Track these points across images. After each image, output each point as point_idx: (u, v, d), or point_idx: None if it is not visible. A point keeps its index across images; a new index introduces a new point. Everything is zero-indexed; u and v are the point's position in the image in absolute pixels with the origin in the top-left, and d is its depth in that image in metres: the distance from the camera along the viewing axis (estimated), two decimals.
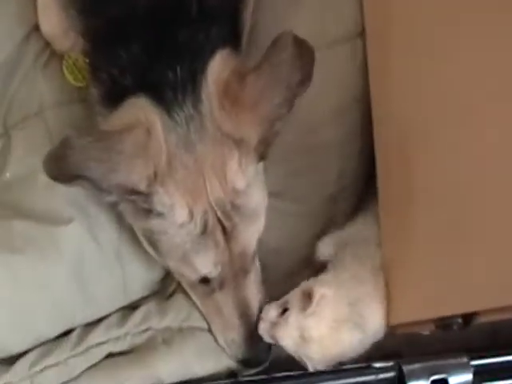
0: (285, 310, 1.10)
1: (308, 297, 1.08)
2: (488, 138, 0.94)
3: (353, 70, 1.19)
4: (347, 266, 1.14)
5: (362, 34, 1.19)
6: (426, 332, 1.08)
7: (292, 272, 1.20)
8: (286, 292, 1.13)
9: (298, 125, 1.15)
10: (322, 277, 1.13)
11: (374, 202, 1.17)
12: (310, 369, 1.10)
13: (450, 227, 1.01)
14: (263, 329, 1.11)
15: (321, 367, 1.10)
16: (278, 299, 1.13)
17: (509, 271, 0.92)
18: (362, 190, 1.23)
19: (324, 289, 1.08)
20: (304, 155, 1.21)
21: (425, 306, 1.05)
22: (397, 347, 1.13)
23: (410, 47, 1.09)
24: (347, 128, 1.21)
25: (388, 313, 1.12)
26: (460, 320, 1.00)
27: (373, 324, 1.10)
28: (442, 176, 1.02)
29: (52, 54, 1.22)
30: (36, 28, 1.22)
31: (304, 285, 1.11)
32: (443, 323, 1.01)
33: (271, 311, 1.11)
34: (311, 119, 1.18)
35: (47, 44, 1.22)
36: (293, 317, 1.09)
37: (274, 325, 1.10)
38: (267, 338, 1.12)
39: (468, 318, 0.99)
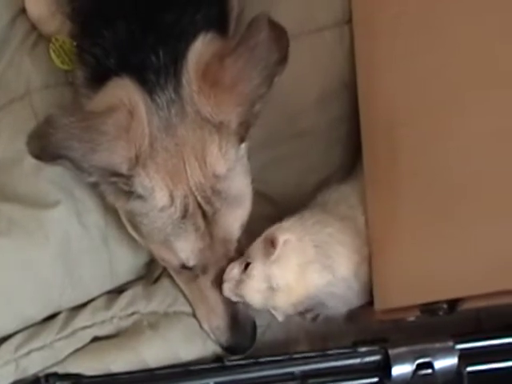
0: (247, 266, 1.08)
1: (270, 245, 1.06)
2: (474, 120, 0.95)
3: (340, 55, 1.19)
4: (313, 213, 1.13)
5: (349, 21, 1.19)
6: (411, 318, 1.08)
7: None
8: None
9: (284, 110, 1.15)
10: (284, 224, 1.10)
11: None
12: (280, 319, 1.09)
13: (435, 213, 1.01)
14: (228, 289, 1.08)
15: (287, 314, 1.09)
16: None
17: (494, 257, 0.92)
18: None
19: (287, 234, 1.07)
20: (290, 141, 1.21)
21: (410, 292, 1.05)
22: (383, 333, 1.13)
23: (396, 33, 1.09)
24: (334, 113, 1.21)
25: (374, 298, 1.12)
26: (445, 306, 1.00)
27: (340, 265, 1.09)
28: (428, 160, 1.02)
29: (39, 37, 1.21)
30: (22, 11, 1.22)
31: (265, 233, 1.09)
32: (428, 309, 1.01)
33: (234, 269, 1.09)
34: (297, 104, 1.18)
35: (34, 27, 1.22)
36: (256, 269, 1.07)
37: (239, 282, 1.08)
38: (234, 298, 1.09)
39: (453, 303, 0.99)
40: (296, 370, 1.07)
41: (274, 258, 1.06)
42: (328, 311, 1.13)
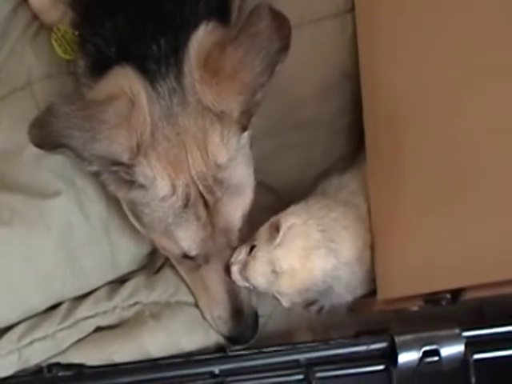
0: (252, 249, 1.09)
1: (276, 230, 1.07)
2: (476, 109, 0.94)
3: (342, 45, 1.19)
4: (317, 199, 1.13)
5: (351, 10, 1.19)
6: (414, 308, 1.08)
7: None
8: None
9: (286, 100, 1.15)
10: (290, 209, 1.11)
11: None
12: (285, 305, 1.09)
13: (438, 202, 1.00)
14: (235, 271, 1.09)
15: (292, 300, 1.09)
16: None
17: (498, 247, 0.91)
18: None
19: (292, 218, 1.07)
20: (292, 131, 1.21)
21: (413, 282, 1.04)
22: (385, 324, 1.12)
23: (399, 23, 1.08)
24: (336, 103, 1.21)
25: (377, 288, 1.12)
26: (448, 296, 0.99)
27: (345, 250, 1.09)
28: (430, 149, 1.02)
29: (40, 27, 1.21)
30: (24, 1, 1.21)
31: (271, 220, 1.10)
32: (432, 299, 1.01)
33: (241, 253, 1.09)
34: (299, 94, 1.18)
35: (35, 16, 1.21)
36: (261, 251, 1.07)
37: (244, 265, 1.08)
38: (241, 282, 1.10)
39: (457, 293, 0.98)
40: (301, 357, 1.06)
41: (277, 242, 1.06)
42: (333, 299, 1.12)
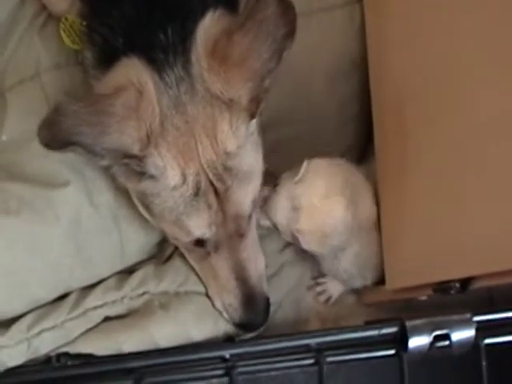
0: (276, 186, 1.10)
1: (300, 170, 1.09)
2: (483, 98, 0.94)
3: (350, 34, 1.19)
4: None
5: (360, 0, 1.19)
6: (423, 297, 1.08)
7: None
8: None
9: (294, 90, 1.16)
10: (317, 159, 1.12)
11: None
12: (303, 246, 1.10)
13: (447, 192, 1.01)
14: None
15: (310, 244, 1.10)
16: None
17: (507, 235, 0.91)
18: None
19: (317, 161, 1.09)
20: (300, 121, 1.21)
21: (422, 271, 1.05)
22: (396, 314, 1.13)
23: (407, 11, 1.09)
24: (344, 92, 1.21)
25: (386, 278, 1.12)
26: (458, 285, 0.99)
27: (364, 207, 1.11)
28: (439, 138, 1.02)
29: (48, 17, 1.21)
30: None
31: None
32: (441, 288, 1.01)
33: (265, 190, 1.11)
34: (308, 83, 1.18)
35: (43, 7, 1.21)
36: (282, 187, 1.09)
37: (266, 199, 1.10)
38: (263, 220, 1.12)
39: (466, 282, 0.98)
40: (312, 342, 1.05)
41: (299, 177, 1.08)
42: (341, 269, 1.14)
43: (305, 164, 1.08)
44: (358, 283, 1.18)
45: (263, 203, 1.10)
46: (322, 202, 1.07)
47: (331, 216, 1.08)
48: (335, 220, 1.08)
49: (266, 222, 1.12)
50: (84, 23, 1.10)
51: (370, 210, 1.11)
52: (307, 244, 1.10)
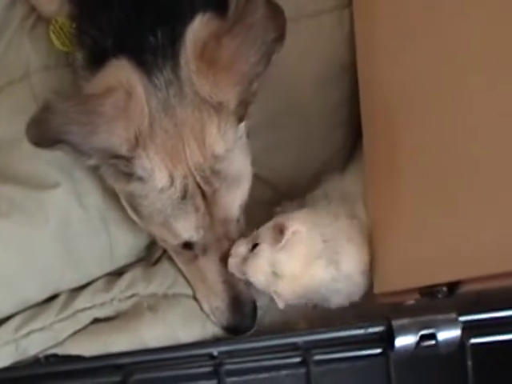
0: (255, 246, 1.08)
1: (280, 232, 1.06)
2: (475, 103, 0.94)
3: (339, 39, 1.18)
4: (323, 206, 1.13)
5: (349, 5, 1.19)
6: (411, 301, 1.08)
7: None
8: None
9: (284, 93, 1.15)
10: (297, 213, 1.10)
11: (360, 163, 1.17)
12: (280, 306, 1.09)
13: (435, 196, 1.01)
14: (233, 263, 1.09)
15: (290, 302, 1.09)
16: None
17: (495, 239, 0.91)
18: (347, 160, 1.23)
19: (297, 224, 1.07)
20: (289, 125, 1.20)
21: (410, 275, 1.05)
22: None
23: (396, 16, 1.08)
24: (334, 97, 1.21)
25: (374, 282, 1.12)
26: (445, 289, 0.99)
27: (346, 262, 1.09)
28: (428, 142, 1.02)
29: (38, 19, 1.20)
30: None
31: (276, 219, 1.09)
32: (428, 292, 1.01)
33: (241, 246, 1.09)
34: (296, 88, 1.18)
35: (33, 8, 1.21)
36: (264, 251, 1.07)
37: (245, 260, 1.08)
38: (238, 274, 1.10)
39: (453, 286, 0.99)
40: (299, 340, 1.07)
41: (281, 245, 1.06)
42: (331, 306, 1.13)
43: (289, 231, 1.06)
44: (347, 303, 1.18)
45: (240, 262, 1.09)
46: (302, 271, 1.06)
47: (311, 283, 1.07)
48: (315, 285, 1.08)
49: (241, 277, 1.11)
50: (74, 25, 1.10)
51: (356, 257, 1.10)
52: (284, 303, 1.09)
